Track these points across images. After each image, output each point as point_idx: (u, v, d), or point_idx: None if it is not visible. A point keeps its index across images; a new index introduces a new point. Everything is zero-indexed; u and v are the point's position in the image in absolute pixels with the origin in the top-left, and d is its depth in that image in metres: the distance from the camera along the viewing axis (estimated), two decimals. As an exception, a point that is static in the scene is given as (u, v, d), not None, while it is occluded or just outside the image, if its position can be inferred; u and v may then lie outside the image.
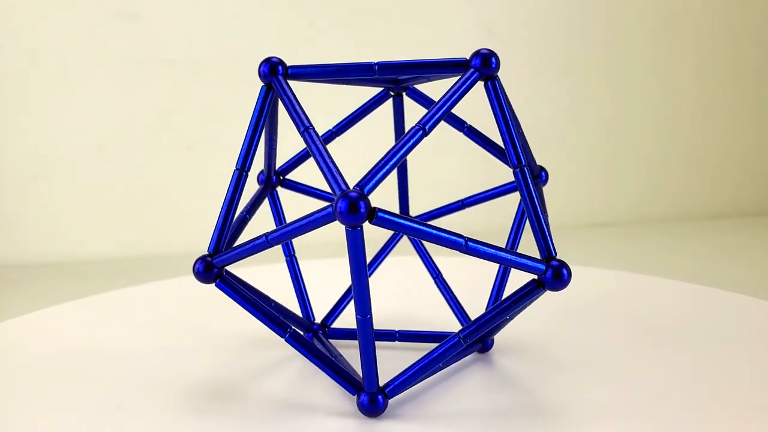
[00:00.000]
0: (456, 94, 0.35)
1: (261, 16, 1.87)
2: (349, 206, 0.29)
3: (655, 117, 2.35)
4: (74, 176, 1.78)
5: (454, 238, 0.32)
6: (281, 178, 0.47)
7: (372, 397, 0.34)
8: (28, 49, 1.69)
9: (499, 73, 0.35)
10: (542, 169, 0.43)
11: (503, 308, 0.34)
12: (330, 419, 0.35)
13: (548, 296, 0.58)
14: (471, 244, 0.32)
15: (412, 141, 0.33)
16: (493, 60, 0.35)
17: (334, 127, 0.45)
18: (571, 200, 2.17)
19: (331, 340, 0.45)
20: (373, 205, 0.31)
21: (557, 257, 0.33)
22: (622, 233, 2.12)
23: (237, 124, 1.82)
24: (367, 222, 0.30)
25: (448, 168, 2.00)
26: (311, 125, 0.34)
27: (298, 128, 0.34)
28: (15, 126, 1.72)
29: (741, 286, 1.39)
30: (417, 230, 0.31)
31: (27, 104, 1.72)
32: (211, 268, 0.35)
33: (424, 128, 0.33)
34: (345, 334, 0.46)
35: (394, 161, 0.32)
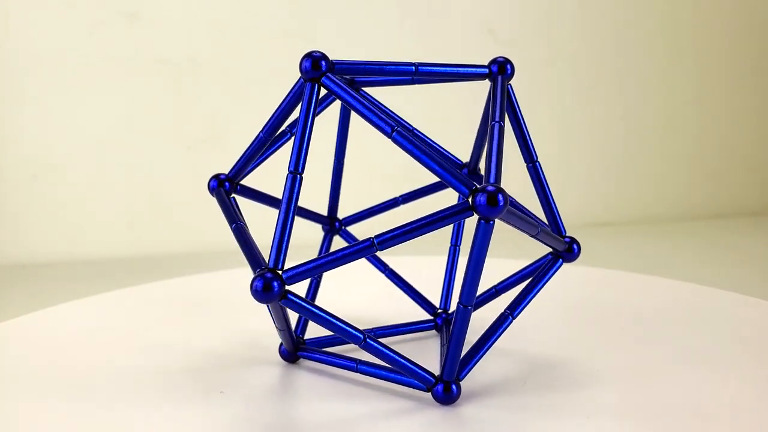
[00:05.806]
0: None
1: (261, 16, 1.87)
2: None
3: (655, 117, 2.35)
4: (74, 176, 1.78)
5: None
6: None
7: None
8: (28, 49, 1.69)
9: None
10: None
11: None
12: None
13: (547, 296, 0.58)
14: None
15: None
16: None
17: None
18: (572, 200, 2.17)
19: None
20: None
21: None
22: (622, 233, 2.12)
23: (237, 124, 1.82)
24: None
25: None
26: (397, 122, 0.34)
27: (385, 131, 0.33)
28: (15, 126, 1.72)
29: (741, 286, 1.39)
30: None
31: (27, 104, 1.72)
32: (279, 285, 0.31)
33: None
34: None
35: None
